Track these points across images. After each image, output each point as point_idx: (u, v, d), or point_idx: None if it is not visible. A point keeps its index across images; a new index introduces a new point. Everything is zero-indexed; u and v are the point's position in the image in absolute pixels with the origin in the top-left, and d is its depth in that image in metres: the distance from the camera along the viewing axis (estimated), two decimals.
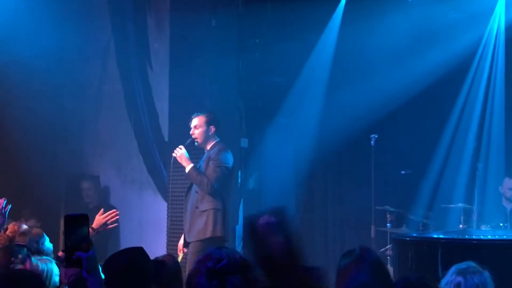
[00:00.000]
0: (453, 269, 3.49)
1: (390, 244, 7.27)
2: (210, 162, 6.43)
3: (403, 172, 7.75)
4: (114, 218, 4.56)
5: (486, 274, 3.39)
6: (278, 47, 7.75)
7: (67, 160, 8.97)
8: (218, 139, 6.56)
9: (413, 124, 7.80)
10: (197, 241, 6.36)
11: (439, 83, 7.59)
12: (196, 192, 6.48)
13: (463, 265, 3.47)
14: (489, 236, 5.92)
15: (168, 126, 8.30)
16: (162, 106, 8.45)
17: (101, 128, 9.09)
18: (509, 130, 7.60)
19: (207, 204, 6.44)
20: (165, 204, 8.17)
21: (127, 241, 8.62)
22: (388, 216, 7.46)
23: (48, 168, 8.68)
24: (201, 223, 6.40)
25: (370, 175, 7.38)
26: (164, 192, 8.32)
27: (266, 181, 8.11)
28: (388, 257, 7.29)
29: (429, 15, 7.47)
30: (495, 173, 7.67)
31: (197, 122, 6.52)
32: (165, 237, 8.04)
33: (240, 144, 8.04)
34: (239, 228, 7.98)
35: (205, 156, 6.54)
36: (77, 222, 2.78)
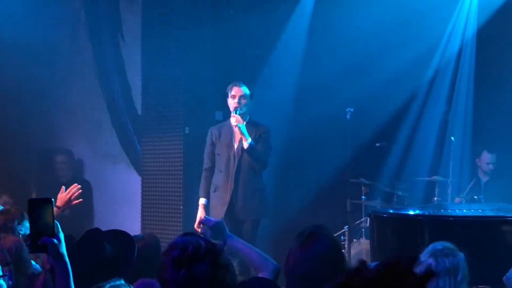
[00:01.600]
0: (429, 248, 3.44)
1: (365, 216, 7.29)
2: (262, 138, 6.25)
3: (377, 144, 7.75)
4: (77, 193, 4.48)
5: (460, 256, 3.34)
6: (253, 18, 7.64)
7: (38, 134, 8.82)
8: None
9: (389, 97, 7.77)
10: (256, 219, 6.27)
11: (414, 55, 7.56)
12: (251, 169, 6.25)
13: (438, 245, 3.41)
14: (464, 211, 5.94)
15: (141, 99, 8.19)
16: (135, 78, 8.33)
17: (73, 101, 8.96)
18: (480, 101, 7.60)
19: (262, 182, 6.35)
20: (139, 178, 8.10)
21: (100, 216, 8.58)
22: (363, 188, 7.47)
23: (19, 142, 8.54)
24: (257, 201, 6.27)
25: (345, 148, 7.37)
26: (138, 166, 8.25)
27: None
28: (363, 229, 7.33)
29: None
30: (470, 146, 7.70)
31: (242, 92, 6.24)
32: (139, 211, 7.98)
33: (215, 116, 7.97)
34: None
35: (241, 126, 6.14)
36: (42, 206, 2.66)
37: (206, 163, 6.44)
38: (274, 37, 7.89)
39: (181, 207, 7.61)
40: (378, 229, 5.54)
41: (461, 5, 7.74)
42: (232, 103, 6.22)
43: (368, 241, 6.62)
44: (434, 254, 3.34)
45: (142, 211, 7.97)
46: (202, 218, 5.72)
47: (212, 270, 2.45)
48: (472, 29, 7.67)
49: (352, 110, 7.09)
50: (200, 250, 2.45)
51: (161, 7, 7.83)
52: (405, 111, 7.84)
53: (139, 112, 8.26)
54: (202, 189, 6.42)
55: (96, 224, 7.19)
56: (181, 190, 7.62)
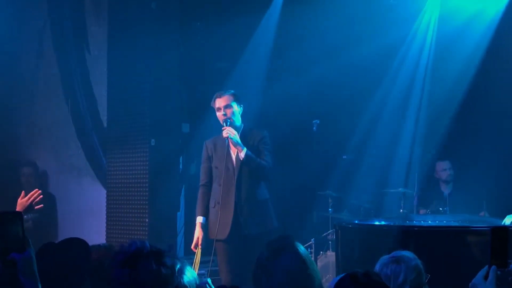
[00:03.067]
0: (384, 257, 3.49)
1: (331, 229, 7.30)
2: (260, 144, 5.85)
3: (344, 157, 7.79)
4: (38, 198, 4.37)
5: (409, 263, 3.36)
6: (220, 31, 7.64)
7: (2, 145, 8.71)
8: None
9: (354, 109, 7.82)
10: (261, 232, 5.68)
11: (380, 67, 7.64)
12: (252, 179, 5.81)
13: (397, 253, 3.46)
14: (430, 222, 5.99)
15: (107, 111, 8.13)
16: (101, 90, 8.27)
17: (38, 113, 8.86)
18: (440, 115, 7.69)
19: (265, 192, 5.89)
20: (104, 191, 8.02)
21: (65, 229, 8.47)
22: (329, 201, 7.49)
23: None
24: (263, 213, 5.83)
25: (312, 160, 7.38)
26: (103, 179, 8.17)
27: None
28: (330, 242, 7.34)
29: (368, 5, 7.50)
30: (432, 157, 7.78)
31: (226, 102, 5.83)
32: (104, 224, 7.91)
33: (181, 129, 7.95)
34: (180, 215, 7.91)
35: (233, 138, 5.74)
36: (10, 220, 2.55)
37: (202, 179, 5.99)
38: (240, 49, 7.89)
39: (146, 220, 7.55)
40: (343, 240, 5.55)
41: (421, 23, 7.82)
42: (219, 116, 5.86)
43: (334, 253, 6.63)
44: (380, 262, 3.40)
45: (107, 224, 7.89)
46: (200, 239, 5.72)
47: (156, 268, 2.42)
48: (431, 43, 7.76)
49: (318, 122, 7.12)
50: (144, 250, 2.44)
51: (127, 19, 7.79)
52: (371, 123, 7.89)
53: (105, 124, 8.19)
54: (199, 206, 5.94)
55: (61, 238, 7.10)
56: (146, 202, 7.56)
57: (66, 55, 8.51)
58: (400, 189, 7.25)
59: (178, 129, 7.91)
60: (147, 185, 7.60)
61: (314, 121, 7.18)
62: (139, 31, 7.69)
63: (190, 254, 5.99)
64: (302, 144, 7.69)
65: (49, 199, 8.63)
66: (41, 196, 4.34)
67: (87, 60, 8.43)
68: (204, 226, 5.87)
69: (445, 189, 7.57)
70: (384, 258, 3.42)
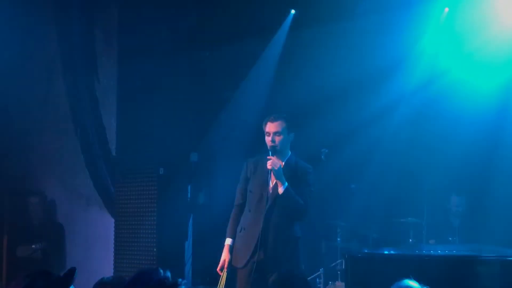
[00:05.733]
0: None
1: (340, 258, 7.25)
2: (302, 180, 5.52)
3: (353, 186, 7.75)
4: None
5: None
6: (229, 60, 7.69)
7: (10, 175, 8.72)
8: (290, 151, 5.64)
9: (362, 138, 7.80)
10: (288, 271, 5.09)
11: (389, 95, 7.64)
12: (284, 214, 5.44)
13: (402, 284, 3.43)
14: (439, 252, 5.94)
15: (116, 140, 8.15)
16: (110, 119, 8.29)
17: (46, 142, 8.88)
18: (453, 145, 7.65)
19: (296, 229, 5.52)
20: (112, 220, 8.00)
21: (72, 258, 8.44)
22: (338, 230, 7.45)
23: None
24: (289, 251, 5.42)
25: (320, 189, 7.35)
26: (111, 208, 8.16)
27: (217, 196, 8.01)
28: (339, 272, 7.28)
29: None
30: (443, 187, 7.73)
31: (277, 128, 5.47)
32: (112, 254, 7.87)
33: (190, 158, 7.95)
34: (188, 244, 7.87)
35: (276, 171, 5.40)
36: None
37: (237, 199, 5.67)
38: (247, 79, 7.94)
39: (155, 250, 7.52)
40: (353, 270, 5.50)
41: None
42: (267, 141, 5.49)
43: (343, 283, 6.57)
44: None
45: (115, 253, 7.86)
46: (227, 262, 5.44)
47: None
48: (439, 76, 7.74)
49: (326, 150, 7.10)
50: (165, 283, 2.41)
51: (137, 49, 7.85)
52: (380, 152, 7.86)
53: (114, 153, 8.21)
54: (229, 228, 5.60)
55: (68, 267, 7.07)
56: (155, 231, 7.54)
57: (75, 84, 8.56)
58: (409, 218, 7.22)
59: (187, 158, 7.91)
60: (155, 214, 7.59)
61: (322, 150, 7.16)
62: (149, 61, 7.73)
63: (197, 285, 5.93)
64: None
65: (57, 228, 8.63)
66: None
67: (97, 89, 8.48)
68: (232, 249, 5.53)
69: (455, 220, 7.52)
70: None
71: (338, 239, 7.40)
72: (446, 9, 7.40)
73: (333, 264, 7.39)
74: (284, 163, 5.51)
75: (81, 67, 8.51)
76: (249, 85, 7.93)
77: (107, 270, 7.57)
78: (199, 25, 7.83)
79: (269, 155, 5.43)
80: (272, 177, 5.44)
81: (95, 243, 8.31)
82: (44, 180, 8.87)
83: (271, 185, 5.48)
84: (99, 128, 8.46)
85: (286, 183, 5.38)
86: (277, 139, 5.46)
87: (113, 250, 7.88)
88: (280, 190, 5.38)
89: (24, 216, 8.55)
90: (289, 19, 7.73)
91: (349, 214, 7.68)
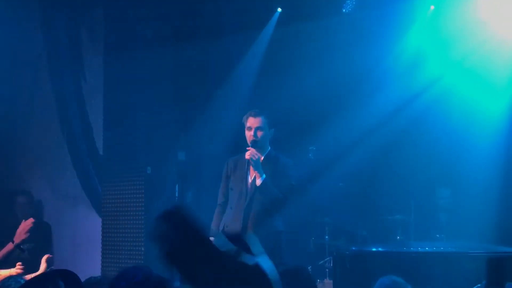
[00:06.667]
0: (376, 284, 3.48)
1: (328, 256, 7.26)
2: (281, 175, 5.54)
3: (341, 184, 7.77)
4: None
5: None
6: (215, 58, 7.67)
7: None
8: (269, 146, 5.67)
9: (350, 135, 7.81)
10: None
11: (375, 92, 7.65)
12: (264, 208, 5.47)
13: (386, 280, 3.45)
14: (427, 249, 5.97)
15: (103, 139, 8.12)
16: (97, 118, 8.26)
17: (33, 142, 8.84)
18: (439, 142, 7.68)
19: (278, 224, 5.55)
20: (100, 219, 7.98)
21: (60, 258, 8.39)
22: (326, 228, 7.46)
23: None
24: (269, 245, 5.25)
25: (308, 187, 7.36)
26: (98, 207, 8.13)
27: (204, 195, 8.00)
28: (327, 269, 7.29)
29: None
30: (430, 185, 7.76)
31: (259, 123, 5.55)
32: (100, 253, 7.85)
33: (177, 157, 7.94)
34: None
35: (255, 161, 5.43)
36: None
37: (219, 198, 5.75)
38: (233, 76, 7.93)
39: (142, 249, 7.50)
40: (341, 267, 5.52)
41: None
42: (248, 135, 5.57)
43: (332, 281, 6.59)
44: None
45: (103, 253, 7.84)
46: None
47: None
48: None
49: (314, 148, 7.10)
50: (148, 280, 2.39)
51: (123, 48, 7.82)
52: (367, 149, 7.87)
53: (101, 152, 8.18)
54: (212, 226, 5.65)
55: (56, 267, 7.04)
56: (142, 231, 7.52)
57: (62, 83, 8.52)
58: (396, 216, 7.24)
59: (174, 157, 7.89)
60: (143, 213, 7.57)
61: (310, 148, 7.17)
62: (135, 60, 7.71)
63: (185, 284, 5.91)
64: (298, 171, 7.66)
65: (44, 228, 8.58)
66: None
67: (83, 88, 8.44)
68: None
69: (443, 215, 7.55)
70: (378, 284, 3.40)
71: (326, 236, 7.41)
72: (432, 7, 7.42)
73: (322, 261, 7.40)
74: (264, 157, 5.57)
75: (68, 67, 8.47)
76: (235, 83, 7.91)
77: (95, 270, 7.53)
78: (185, 23, 7.81)
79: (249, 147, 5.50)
80: (251, 172, 5.50)
81: (83, 243, 8.28)
82: (31, 180, 8.83)
83: (250, 180, 5.54)
84: (85, 127, 8.43)
85: (264, 175, 5.42)
86: (259, 133, 5.54)
87: (100, 249, 7.86)
88: (258, 182, 5.44)
89: (10, 216, 8.50)
90: (275, 17, 7.74)
91: (337, 211, 7.69)
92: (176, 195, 7.95)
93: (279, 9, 7.71)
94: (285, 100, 7.44)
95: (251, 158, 5.41)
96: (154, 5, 7.68)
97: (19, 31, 8.49)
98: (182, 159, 8.01)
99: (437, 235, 7.20)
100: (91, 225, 8.19)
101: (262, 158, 5.56)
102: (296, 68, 7.70)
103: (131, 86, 7.76)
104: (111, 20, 8.01)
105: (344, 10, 7.40)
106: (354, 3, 7.36)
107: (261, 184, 5.42)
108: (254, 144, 5.49)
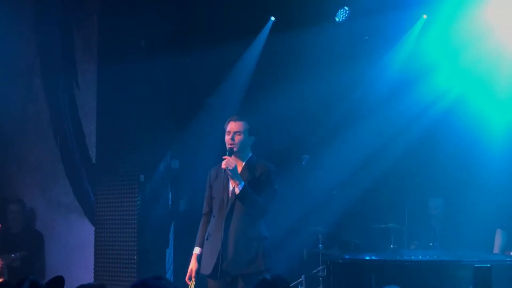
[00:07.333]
0: None
1: (322, 265, 7.25)
2: (262, 179, 5.42)
3: (334, 192, 7.77)
4: None
5: None
6: (210, 66, 7.67)
7: None
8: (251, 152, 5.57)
9: (344, 144, 7.82)
10: (250, 273, 5.27)
11: (369, 100, 7.66)
12: (245, 215, 5.37)
13: None
14: (420, 257, 5.97)
15: (96, 147, 8.10)
16: (90, 126, 8.25)
17: (26, 150, 8.82)
18: (433, 150, 7.69)
19: (261, 230, 5.43)
20: (92, 228, 7.95)
21: (53, 266, 8.38)
22: (319, 237, 7.45)
23: None
24: (252, 252, 5.33)
25: (302, 196, 7.36)
26: (91, 215, 8.11)
27: (198, 204, 7.99)
28: (320, 278, 7.28)
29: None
30: (423, 193, 7.76)
31: (238, 128, 5.44)
32: (92, 261, 7.82)
33: (170, 165, 7.93)
34: (169, 251, 7.84)
35: (231, 170, 5.33)
36: None
37: (204, 208, 5.67)
38: (226, 84, 7.93)
39: (135, 257, 7.48)
40: (334, 276, 5.51)
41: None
42: (226, 140, 5.47)
43: None
44: None
45: (95, 261, 7.81)
46: (194, 271, 5.47)
47: None
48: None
49: (308, 157, 7.10)
50: None
51: (117, 55, 7.82)
52: (361, 157, 7.87)
53: (94, 160, 8.16)
54: (198, 237, 5.59)
55: (48, 276, 7.01)
56: (135, 239, 7.49)
57: (55, 91, 8.51)
58: (390, 224, 7.24)
59: (168, 165, 7.88)
60: (135, 221, 7.55)
61: (303, 156, 7.17)
62: (128, 68, 7.70)
63: None
64: (291, 179, 7.67)
65: (36, 236, 8.56)
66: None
67: (76, 96, 8.44)
68: (200, 258, 5.49)
69: (437, 225, 7.55)
70: None
71: (320, 245, 7.40)
72: (424, 16, 7.45)
73: (315, 270, 7.39)
74: (245, 163, 5.49)
75: (61, 74, 8.47)
76: (227, 92, 7.91)
77: (88, 278, 7.50)
78: (178, 31, 7.82)
79: (225, 155, 5.42)
80: (232, 180, 5.42)
81: (75, 251, 8.26)
82: (24, 188, 8.81)
83: (230, 188, 5.47)
84: (78, 135, 8.42)
85: (243, 182, 5.34)
86: (237, 138, 5.42)
87: (93, 258, 7.83)
88: (237, 190, 5.35)
89: (3, 224, 8.47)
90: (268, 26, 7.75)
91: (331, 220, 7.69)
92: (169, 203, 7.95)
93: (272, 18, 7.73)
94: (278, 108, 7.46)
95: (227, 168, 5.33)
96: (148, 13, 7.69)
97: (13, 38, 8.49)
98: (175, 167, 8.00)
99: (431, 244, 7.20)
100: (84, 233, 8.17)
101: (243, 164, 5.50)
102: (289, 76, 7.71)
103: (125, 94, 7.75)
104: (105, 27, 8.01)
105: (337, 19, 7.42)
106: (347, 12, 7.38)
107: (240, 191, 5.35)
108: (231, 150, 5.42)
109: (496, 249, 6.80)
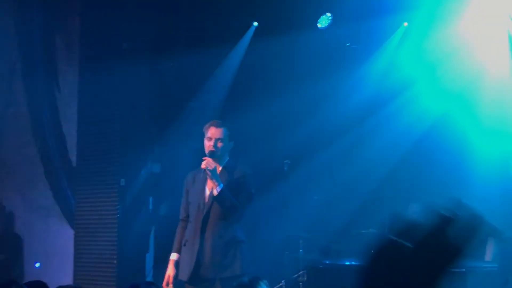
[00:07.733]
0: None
1: (302, 270, 7.25)
2: (239, 182, 5.46)
3: (315, 197, 7.77)
4: None
5: None
6: (192, 70, 7.66)
7: None
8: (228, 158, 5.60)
9: (325, 149, 7.83)
10: (228, 277, 5.28)
11: (351, 106, 7.68)
12: (221, 219, 5.41)
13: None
14: None
15: (76, 151, 8.06)
16: (70, 129, 8.21)
17: (5, 153, 8.75)
18: (411, 154, 7.73)
19: (238, 234, 5.47)
20: (72, 232, 7.91)
21: (31, 270, 8.31)
22: (300, 241, 7.44)
23: None
24: (229, 256, 5.37)
25: (283, 201, 7.35)
26: (71, 219, 8.06)
27: (178, 208, 7.97)
28: (301, 283, 7.27)
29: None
30: (404, 197, 7.78)
31: (220, 135, 5.46)
32: (72, 265, 7.77)
33: (151, 169, 7.90)
34: (150, 256, 7.81)
35: (211, 170, 5.34)
36: None
37: (181, 214, 5.68)
38: (212, 89, 7.92)
39: (115, 261, 7.45)
40: (315, 281, 5.52)
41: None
42: (207, 145, 5.46)
43: None
44: None
45: (75, 265, 7.76)
46: (171, 277, 5.46)
47: None
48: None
49: (289, 162, 7.10)
50: None
51: (98, 58, 7.79)
52: (343, 163, 7.90)
53: (74, 164, 8.11)
54: (174, 242, 5.58)
55: (27, 279, 6.95)
56: (115, 243, 7.47)
57: (35, 93, 8.46)
58: (371, 229, 7.25)
59: (148, 169, 7.86)
60: (116, 225, 7.52)
61: (285, 161, 7.17)
62: (110, 71, 7.68)
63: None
64: (272, 184, 7.67)
65: (15, 240, 8.49)
66: None
67: (57, 98, 8.40)
68: (177, 264, 5.52)
69: None
70: None
71: (300, 250, 7.39)
72: (405, 24, 7.50)
73: (295, 275, 7.38)
74: (222, 167, 5.51)
75: (42, 77, 8.42)
76: (209, 96, 7.90)
77: (67, 282, 7.46)
78: (161, 35, 7.81)
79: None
80: (209, 183, 5.44)
81: (55, 255, 8.20)
82: (3, 191, 8.73)
83: (207, 193, 5.48)
84: (59, 138, 8.37)
85: (222, 184, 5.36)
86: (219, 145, 5.45)
87: (72, 262, 7.78)
88: (215, 191, 5.36)
89: None
90: (251, 31, 7.76)
91: (311, 225, 7.69)
92: (150, 207, 7.91)
93: (255, 23, 7.74)
94: (259, 112, 7.46)
95: (207, 168, 5.34)
96: (131, 16, 7.67)
97: None
98: (156, 171, 7.97)
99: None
100: (63, 237, 8.12)
101: (220, 168, 5.52)
102: (270, 81, 7.72)
103: (106, 97, 7.72)
104: (87, 29, 7.98)
105: (319, 26, 7.45)
106: (330, 19, 7.41)
107: (219, 193, 5.36)
108: (212, 154, 5.43)
109: (488, 257, 6.81)
